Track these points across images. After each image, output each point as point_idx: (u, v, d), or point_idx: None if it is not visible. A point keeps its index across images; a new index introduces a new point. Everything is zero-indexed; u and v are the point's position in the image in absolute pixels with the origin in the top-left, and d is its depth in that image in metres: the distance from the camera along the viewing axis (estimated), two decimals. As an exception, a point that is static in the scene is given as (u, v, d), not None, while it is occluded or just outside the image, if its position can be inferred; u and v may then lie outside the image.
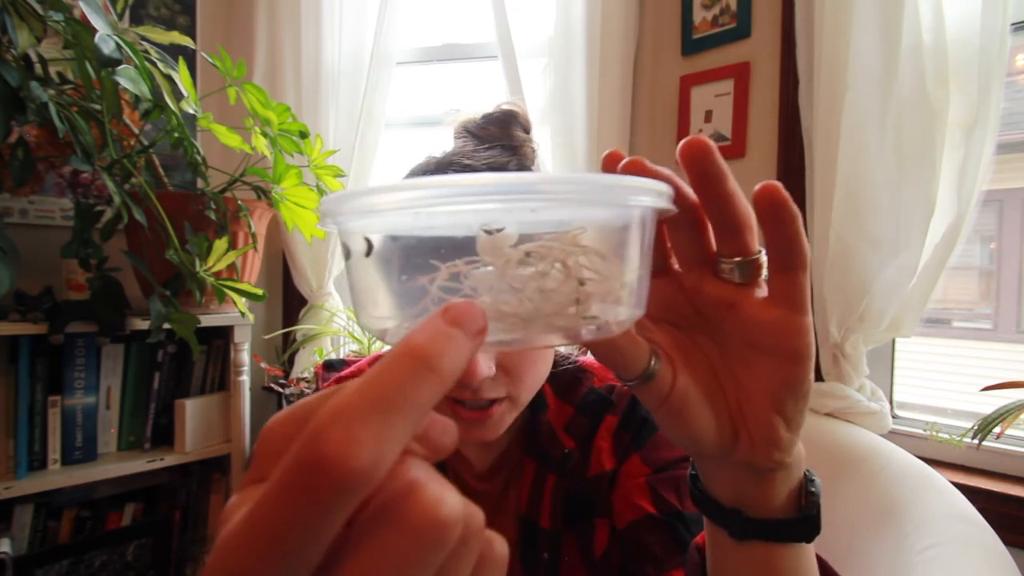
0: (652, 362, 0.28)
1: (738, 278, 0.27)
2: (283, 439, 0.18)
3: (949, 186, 0.98)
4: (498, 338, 0.21)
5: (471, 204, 0.19)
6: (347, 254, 0.23)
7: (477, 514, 0.16)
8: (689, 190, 0.26)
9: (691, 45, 1.34)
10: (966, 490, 0.77)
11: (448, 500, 0.15)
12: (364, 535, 0.15)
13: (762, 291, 0.27)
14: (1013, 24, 0.96)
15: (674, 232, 0.28)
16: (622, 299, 0.23)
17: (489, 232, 0.20)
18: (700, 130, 1.32)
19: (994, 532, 0.66)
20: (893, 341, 1.15)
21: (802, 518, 0.31)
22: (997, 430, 0.85)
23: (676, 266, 0.30)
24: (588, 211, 0.22)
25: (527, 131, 0.59)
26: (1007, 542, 0.66)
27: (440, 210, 0.20)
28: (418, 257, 0.21)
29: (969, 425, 0.89)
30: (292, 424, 0.18)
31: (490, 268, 0.21)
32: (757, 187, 0.25)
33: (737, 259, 0.27)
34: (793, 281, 0.26)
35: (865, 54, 0.99)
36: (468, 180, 0.19)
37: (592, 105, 1.34)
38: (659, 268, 0.30)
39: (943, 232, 0.98)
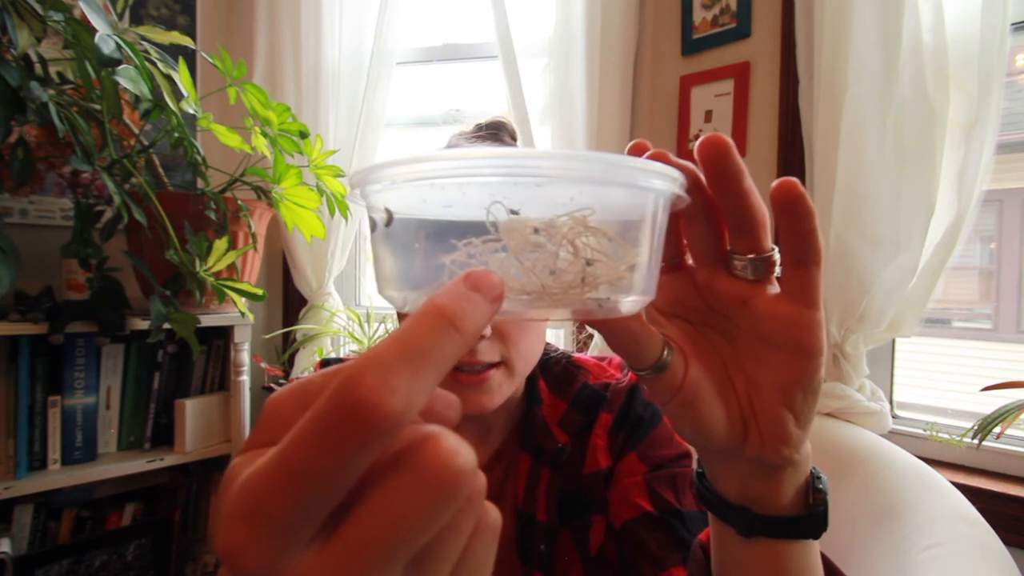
0: (665, 353, 0.28)
1: (751, 275, 0.27)
2: (290, 409, 0.19)
3: (949, 186, 0.98)
4: (507, 308, 0.21)
5: (481, 176, 0.20)
6: (372, 226, 0.24)
7: (482, 477, 0.17)
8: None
9: (691, 45, 1.34)
10: (966, 490, 0.77)
11: (463, 451, 0.16)
12: (381, 479, 0.16)
13: (774, 287, 0.28)
14: (1013, 24, 0.96)
15: (689, 228, 0.28)
16: (630, 282, 0.23)
17: (514, 212, 0.21)
18: (700, 130, 1.32)
19: (994, 532, 0.66)
20: (893, 341, 1.15)
21: (810, 515, 0.31)
22: (997, 430, 0.85)
23: (689, 261, 0.30)
24: (599, 190, 0.22)
25: (514, 139, 0.64)
26: (1007, 542, 0.66)
27: (453, 181, 0.20)
28: (437, 234, 0.22)
29: (969, 425, 0.89)
30: (298, 396, 0.19)
31: (506, 255, 0.22)
32: (775, 183, 0.25)
33: (751, 256, 0.27)
34: (807, 277, 0.26)
35: (865, 54, 0.99)
36: (479, 152, 0.20)
37: (592, 105, 1.34)
38: (673, 263, 0.30)
39: (943, 232, 0.98)
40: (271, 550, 0.15)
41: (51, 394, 1.20)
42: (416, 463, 0.15)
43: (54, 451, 1.20)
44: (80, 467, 1.22)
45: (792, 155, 1.17)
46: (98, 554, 1.29)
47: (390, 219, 0.23)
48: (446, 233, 0.22)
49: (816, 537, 0.32)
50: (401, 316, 0.58)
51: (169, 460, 1.32)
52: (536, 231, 0.21)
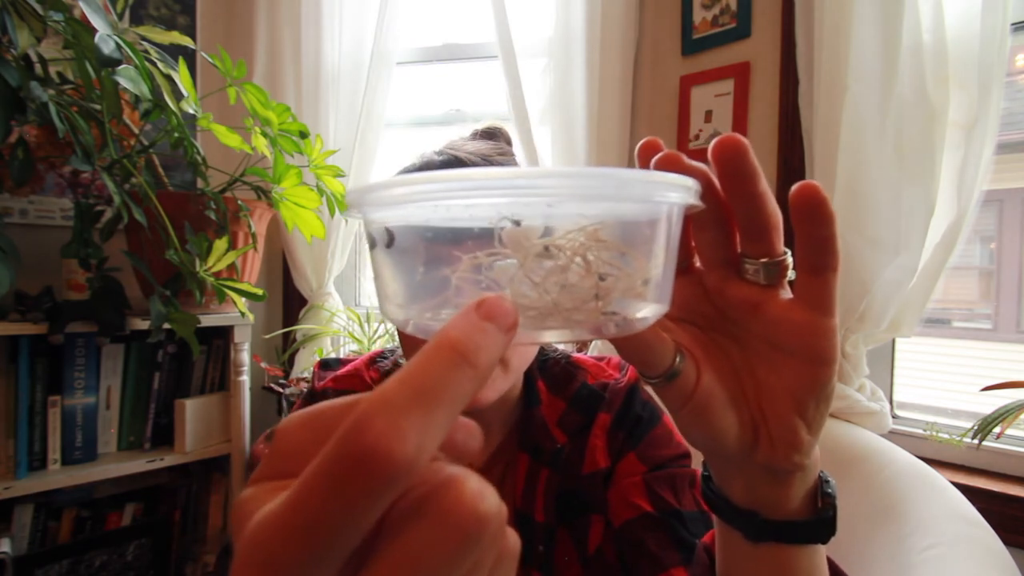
0: (677, 360, 0.28)
1: (763, 279, 0.27)
2: (301, 441, 0.18)
3: (949, 186, 0.98)
4: (519, 329, 0.21)
5: (490, 197, 0.19)
6: (372, 244, 0.23)
7: (504, 511, 0.17)
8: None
9: (691, 45, 1.34)
10: (966, 490, 0.77)
11: (488, 495, 0.15)
12: (402, 527, 0.15)
13: (786, 292, 0.27)
14: (1013, 24, 0.95)
15: (699, 231, 0.28)
16: (644, 295, 0.23)
17: (516, 223, 0.20)
18: (700, 130, 1.32)
19: (994, 532, 0.66)
20: (893, 341, 1.15)
21: (819, 519, 0.31)
22: (997, 430, 0.85)
23: (698, 265, 0.29)
24: (611, 206, 0.21)
25: (509, 144, 0.65)
26: (1007, 542, 0.66)
27: (459, 203, 0.20)
28: (440, 248, 0.21)
29: (969, 425, 0.89)
30: (310, 428, 0.18)
31: (511, 261, 0.21)
32: (795, 187, 0.24)
33: (763, 260, 0.26)
34: (824, 283, 0.26)
35: (865, 54, 0.99)
36: (488, 173, 0.19)
37: (592, 105, 1.34)
38: (681, 267, 0.29)
39: (943, 232, 0.98)
40: None
41: (51, 394, 1.20)
42: (438, 510, 0.15)
43: (54, 451, 1.20)
44: (80, 467, 1.22)
45: (792, 155, 1.17)
46: (98, 554, 1.29)
47: (391, 240, 0.22)
48: (449, 246, 0.21)
49: (824, 542, 0.32)
50: (402, 335, 0.57)
51: (169, 460, 1.32)
52: (546, 248, 0.21)
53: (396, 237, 0.22)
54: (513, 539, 0.18)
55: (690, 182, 0.22)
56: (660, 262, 0.23)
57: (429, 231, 0.22)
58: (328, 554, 0.14)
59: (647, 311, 0.23)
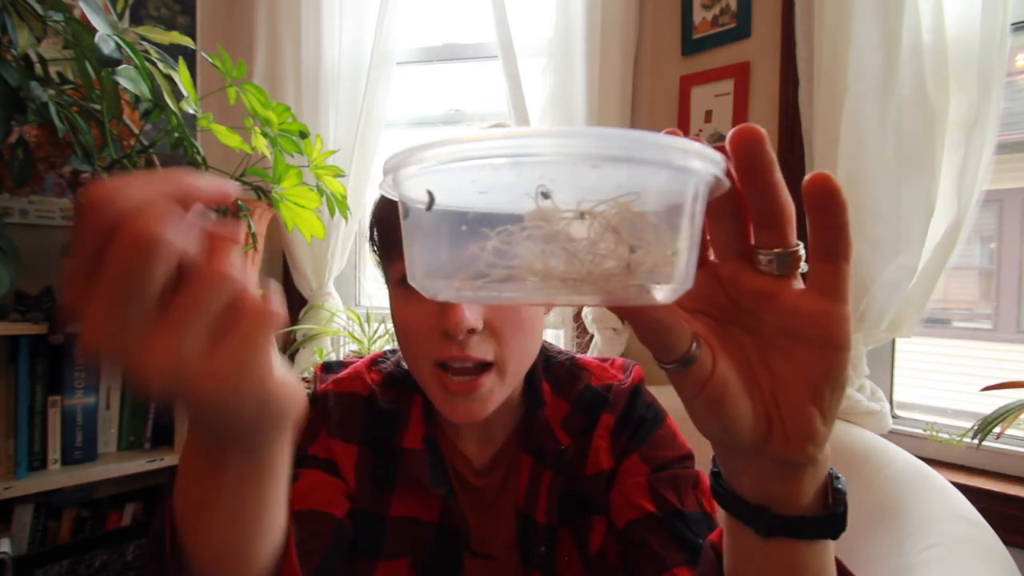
0: (693, 346, 0.28)
1: (777, 269, 0.27)
2: None
3: (949, 186, 0.98)
4: (548, 296, 0.21)
5: (529, 158, 0.20)
6: (405, 213, 0.24)
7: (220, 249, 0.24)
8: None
9: (691, 45, 1.34)
10: (966, 490, 0.77)
11: (138, 208, 0.22)
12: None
13: (798, 283, 0.27)
14: (1013, 24, 0.96)
15: (714, 222, 0.28)
16: (672, 268, 0.23)
17: (546, 195, 0.21)
18: (700, 130, 1.32)
19: (994, 532, 0.66)
20: (893, 341, 1.15)
21: (830, 515, 0.31)
22: (997, 430, 0.85)
23: (712, 257, 0.30)
24: (643, 178, 0.22)
25: None
26: (1007, 542, 0.66)
27: (503, 160, 0.20)
28: (473, 222, 0.22)
29: (969, 425, 0.89)
30: None
31: (544, 230, 0.21)
32: (808, 176, 0.25)
33: (777, 250, 0.26)
34: (837, 271, 0.26)
35: (865, 54, 0.99)
36: (529, 131, 0.20)
37: (592, 105, 1.34)
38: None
39: (943, 232, 0.98)
40: None
41: (51, 394, 1.20)
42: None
43: (54, 451, 1.20)
44: (80, 467, 1.22)
45: (792, 155, 1.17)
46: (98, 554, 1.29)
47: (432, 202, 0.22)
48: (483, 221, 0.22)
49: (835, 537, 0.32)
50: (395, 313, 0.57)
51: (169, 460, 1.32)
52: (582, 215, 0.21)
53: (435, 201, 0.22)
54: (263, 306, 0.25)
55: (719, 156, 0.23)
56: (687, 236, 0.23)
57: (464, 202, 0.22)
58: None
59: (673, 284, 0.23)
